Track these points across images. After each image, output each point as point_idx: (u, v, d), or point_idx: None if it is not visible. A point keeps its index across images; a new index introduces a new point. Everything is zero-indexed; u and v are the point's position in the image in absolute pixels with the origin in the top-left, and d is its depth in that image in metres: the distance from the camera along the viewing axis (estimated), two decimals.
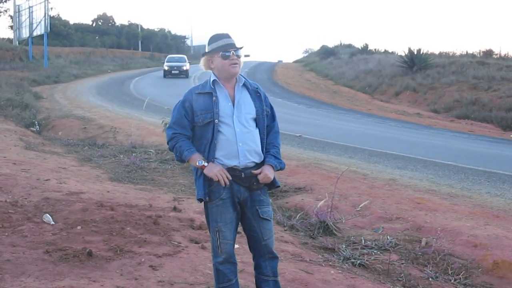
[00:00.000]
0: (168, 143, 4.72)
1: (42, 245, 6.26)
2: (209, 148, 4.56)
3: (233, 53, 4.59)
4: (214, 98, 4.58)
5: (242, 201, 4.65)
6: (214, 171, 4.48)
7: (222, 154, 4.55)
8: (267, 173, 4.59)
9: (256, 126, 4.68)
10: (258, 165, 4.64)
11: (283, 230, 8.19)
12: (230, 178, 4.51)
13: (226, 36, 4.68)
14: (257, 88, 4.78)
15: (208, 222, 4.76)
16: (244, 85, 4.73)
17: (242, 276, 5.68)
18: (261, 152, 4.66)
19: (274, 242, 4.90)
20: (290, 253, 6.89)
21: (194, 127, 4.63)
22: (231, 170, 4.54)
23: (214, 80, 4.66)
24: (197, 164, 4.52)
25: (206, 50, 4.72)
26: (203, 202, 4.70)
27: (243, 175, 4.57)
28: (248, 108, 4.66)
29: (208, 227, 4.81)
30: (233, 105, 4.62)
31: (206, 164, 4.50)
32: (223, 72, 4.63)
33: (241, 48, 4.68)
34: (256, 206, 4.66)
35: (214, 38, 4.68)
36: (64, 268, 5.67)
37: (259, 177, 4.58)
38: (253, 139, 4.61)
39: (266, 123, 4.75)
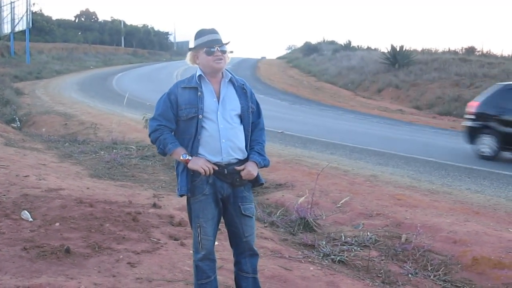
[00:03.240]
0: (150, 135, 4.67)
1: (19, 242, 6.20)
2: (192, 144, 4.53)
3: (217, 49, 4.55)
4: (199, 93, 4.55)
5: (225, 197, 4.63)
6: (199, 163, 4.45)
7: (205, 150, 4.52)
8: (250, 169, 4.56)
9: (241, 122, 4.65)
10: (242, 162, 4.61)
11: (263, 226, 8.18)
12: (216, 168, 4.49)
13: (212, 31, 4.64)
14: (243, 84, 4.76)
15: (190, 218, 4.73)
16: (230, 81, 4.70)
17: (221, 273, 5.66)
18: (244, 149, 4.64)
19: (255, 239, 4.88)
20: (269, 250, 6.88)
21: (178, 121, 4.59)
22: (214, 165, 4.51)
23: (200, 75, 4.62)
24: (181, 158, 4.48)
25: (192, 45, 4.69)
26: (186, 198, 4.68)
27: (226, 171, 4.53)
28: (233, 104, 4.63)
29: (190, 223, 4.79)
30: (218, 101, 4.59)
31: (190, 158, 4.47)
32: (207, 68, 4.60)
33: (226, 43, 4.64)
34: (238, 202, 4.64)
35: (199, 34, 4.65)
36: (42, 265, 5.62)
37: (242, 173, 4.55)
38: (236, 136, 4.58)
39: (252, 120, 4.72)
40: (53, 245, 6.13)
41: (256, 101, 4.84)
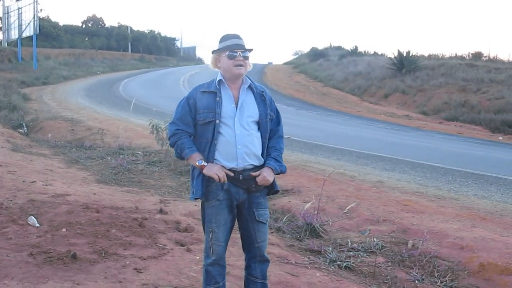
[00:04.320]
0: (169, 139, 4.73)
1: (26, 248, 6.21)
2: (209, 148, 4.57)
3: (240, 54, 4.58)
4: (217, 98, 4.58)
5: (241, 202, 4.65)
6: (213, 170, 4.47)
7: (220, 155, 4.55)
8: (266, 175, 4.58)
9: (258, 129, 4.68)
10: (258, 168, 4.62)
11: (270, 232, 8.15)
12: (231, 175, 4.51)
13: (236, 36, 4.69)
14: (262, 91, 4.78)
15: (203, 222, 4.76)
16: (250, 87, 4.73)
17: (227, 279, 5.64)
18: (260, 156, 4.65)
19: (267, 246, 4.90)
20: (276, 256, 6.87)
21: (196, 125, 4.63)
22: (229, 171, 4.53)
23: (219, 80, 4.67)
24: (196, 163, 4.51)
25: (216, 48, 4.72)
26: (201, 202, 4.72)
27: (241, 177, 4.55)
28: (251, 111, 4.65)
29: (203, 227, 4.82)
30: (236, 107, 4.62)
31: (205, 164, 4.50)
32: (227, 72, 4.64)
33: (250, 50, 4.68)
34: (253, 208, 4.66)
35: (224, 38, 4.70)
36: (48, 271, 5.62)
37: (258, 179, 4.56)
38: (252, 142, 4.59)
39: (270, 127, 4.76)
40: (59, 251, 6.14)
41: (276, 109, 4.88)
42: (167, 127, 4.85)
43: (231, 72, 4.61)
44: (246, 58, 4.63)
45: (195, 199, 4.62)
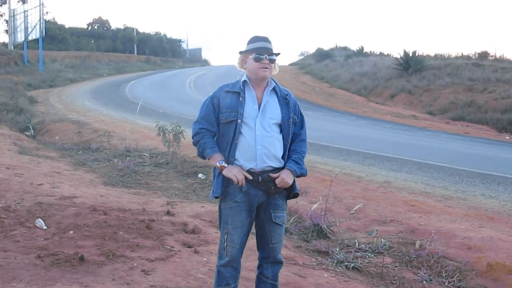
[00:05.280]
0: (192, 137, 4.75)
1: (34, 250, 6.23)
2: (230, 148, 4.59)
3: (266, 57, 4.59)
4: (241, 98, 4.61)
5: (260, 204, 4.66)
6: (233, 171, 4.50)
7: (240, 155, 4.57)
8: (285, 177, 4.57)
9: (280, 132, 4.68)
10: (278, 170, 4.62)
11: None
12: (250, 178, 4.52)
13: (265, 39, 4.69)
14: (286, 94, 4.78)
15: (220, 222, 4.78)
16: (274, 89, 4.74)
17: None
18: (281, 158, 4.65)
19: (282, 248, 4.92)
20: (283, 257, 6.82)
21: (219, 124, 4.65)
22: (248, 172, 4.54)
23: (244, 81, 4.69)
24: (217, 164, 4.55)
25: (244, 49, 4.73)
26: (219, 202, 4.74)
27: (260, 179, 4.56)
28: (273, 113, 4.66)
29: (219, 228, 4.84)
30: (259, 108, 4.63)
31: (225, 165, 4.53)
32: (253, 74, 4.65)
33: (277, 54, 4.69)
34: (270, 209, 4.68)
35: (252, 39, 4.71)
36: (56, 273, 5.63)
37: (277, 181, 4.56)
38: (273, 144, 4.60)
39: (293, 131, 4.76)
40: (67, 253, 6.15)
41: (300, 112, 4.89)
42: (192, 125, 4.86)
43: (256, 74, 4.62)
44: (273, 61, 4.64)
45: (215, 197, 4.64)
